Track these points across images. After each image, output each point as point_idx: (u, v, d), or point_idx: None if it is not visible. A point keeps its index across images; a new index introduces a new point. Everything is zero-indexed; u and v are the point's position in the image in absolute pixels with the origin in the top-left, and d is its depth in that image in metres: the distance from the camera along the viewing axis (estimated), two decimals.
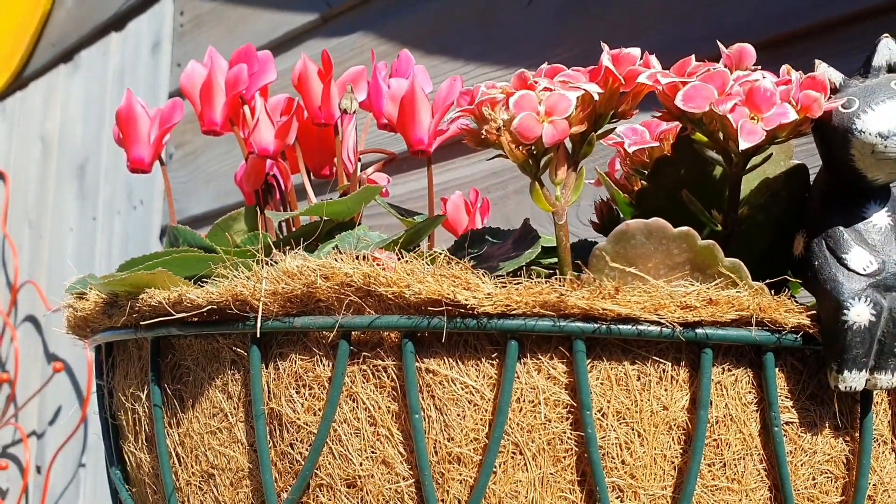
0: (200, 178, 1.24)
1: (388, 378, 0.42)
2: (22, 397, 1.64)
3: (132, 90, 1.51)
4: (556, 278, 0.39)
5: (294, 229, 0.62)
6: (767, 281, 0.40)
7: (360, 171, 0.64)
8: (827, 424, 0.42)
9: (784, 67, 0.39)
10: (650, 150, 0.49)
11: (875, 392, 0.42)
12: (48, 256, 1.65)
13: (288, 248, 0.58)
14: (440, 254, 0.42)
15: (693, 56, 0.41)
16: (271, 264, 0.44)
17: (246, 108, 0.64)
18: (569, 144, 0.44)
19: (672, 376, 0.40)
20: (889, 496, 0.43)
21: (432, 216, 0.59)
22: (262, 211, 0.64)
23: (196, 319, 0.46)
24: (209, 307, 0.44)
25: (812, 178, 0.43)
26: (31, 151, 1.76)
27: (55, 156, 1.68)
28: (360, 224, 0.58)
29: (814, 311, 0.40)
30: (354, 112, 0.59)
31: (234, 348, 0.46)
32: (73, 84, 1.65)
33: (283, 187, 0.65)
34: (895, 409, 0.43)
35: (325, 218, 0.56)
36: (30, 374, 1.64)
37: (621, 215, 0.50)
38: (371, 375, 0.42)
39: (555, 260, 0.50)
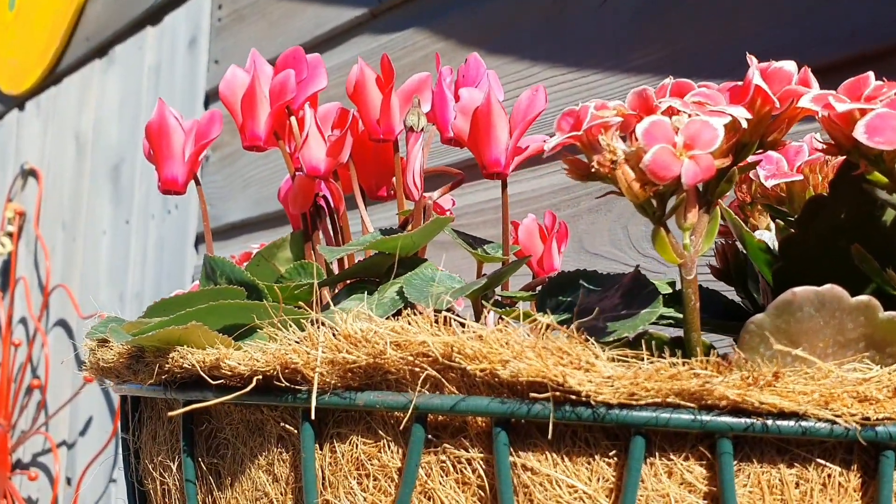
0: (238, 183, 1.16)
1: (473, 474, 0.34)
2: (53, 405, 1.59)
3: (168, 88, 1.43)
4: (697, 360, 0.31)
5: (347, 261, 0.54)
6: None
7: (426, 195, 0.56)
8: None
9: None
10: (789, 184, 0.40)
11: None
12: (82, 260, 1.59)
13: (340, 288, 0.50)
14: (541, 319, 0.33)
15: (871, 73, 0.32)
16: (328, 325, 0.35)
17: (293, 119, 0.56)
18: None
19: (840, 484, 0.31)
20: None
21: (510, 256, 0.50)
22: (308, 238, 0.56)
23: (236, 383, 0.38)
24: (253, 376, 0.36)
25: None
26: (66, 149, 1.70)
27: (89, 155, 1.62)
28: (430, 263, 0.49)
29: None
30: (422, 130, 0.50)
31: (282, 423, 0.38)
32: (108, 80, 1.59)
33: (334, 210, 0.57)
34: None
35: (388, 253, 0.48)
36: (61, 381, 1.58)
37: (752, 262, 0.41)
38: (452, 469, 0.34)
39: (666, 310, 0.41)
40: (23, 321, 1.74)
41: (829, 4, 0.65)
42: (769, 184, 0.39)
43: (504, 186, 0.54)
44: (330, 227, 0.58)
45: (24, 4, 1.88)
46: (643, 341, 0.37)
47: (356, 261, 0.53)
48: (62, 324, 1.61)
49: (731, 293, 0.43)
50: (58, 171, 1.73)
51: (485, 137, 0.50)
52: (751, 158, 0.40)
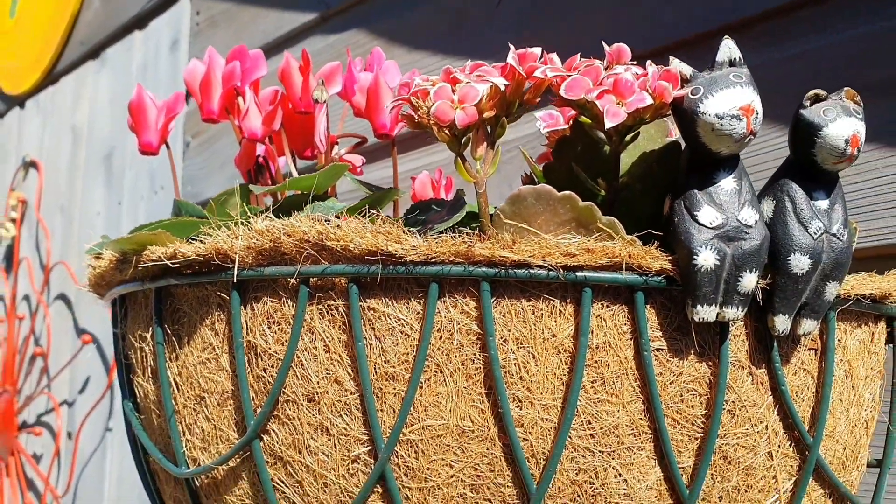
0: (216, 163, 1.35)
1: (338, 315, 0.52)
2: (54, 369, 1.77)
3: (153, 84, 1.64)
4: (465, 233, 0.50)
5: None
6: (637, 234, 0.50)
7: (338, 153, 0.75)
8: (692, 351, 0.52)
9: (648, 62, 0.49)
10: (562, 131, 0.58)
11: (734, 325, 0.52)
12: (77, 239, 1.78)
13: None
14: (378, 216, 0.52)
15: (579, 54, 0.51)
16: (247, 226, 0.54)
17: (240, 99, 0.75)
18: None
19: (560, 310, 0.50)
20: (746, 411, 0.53)
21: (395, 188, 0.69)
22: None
23: (189, 271, 0.57)
24: (196, 258, 0.55)
25: None
26: (63, 142, 1.89)
27: (84, 146, 1.80)
28: (334, 197, 0.68)
29: (675, 258, 0.50)
30: (325, 101, 0.69)
31: (220, 294, 0.56)
32: (101, 79, 1.77)
33: (271, 168, 0.76)
34: (751, 339, 0.53)
35: (303, 192, 0.66)
36: (61, 348, 1.77)
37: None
38: (325, 313, 0.53)
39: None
40: (26, 297, 1.92)
41: (656, 12, 0.84)
42: (545, 131, 0.58)
43: (393, 145, 0.73)
44: (269, 179, 0.76)
45: (24, 12, 2.07)
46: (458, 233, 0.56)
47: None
48: (62, 297, 1.80)
49: None
50: (56, 161, 1.91)
51: (374, 108, 0.69)
52: (539, 114, 0.58)
